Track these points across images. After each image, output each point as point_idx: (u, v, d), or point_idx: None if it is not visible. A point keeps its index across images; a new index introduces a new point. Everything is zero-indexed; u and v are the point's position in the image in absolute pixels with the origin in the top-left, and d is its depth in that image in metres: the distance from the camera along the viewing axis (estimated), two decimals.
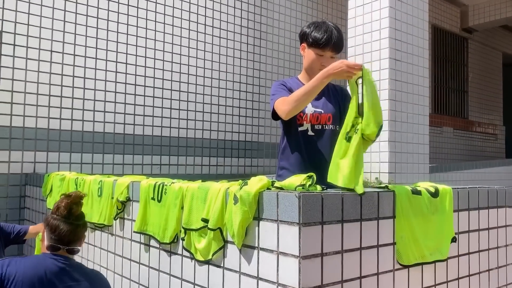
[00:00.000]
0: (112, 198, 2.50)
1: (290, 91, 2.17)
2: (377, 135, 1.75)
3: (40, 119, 4.13)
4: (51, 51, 4.21)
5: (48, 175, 3.47)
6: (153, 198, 2.17)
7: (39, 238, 2.76)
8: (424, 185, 1.88)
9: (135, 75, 4.75)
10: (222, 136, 5.47)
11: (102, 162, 4.48)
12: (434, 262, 1.79)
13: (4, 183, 3.96)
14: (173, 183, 2.09)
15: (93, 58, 4.45)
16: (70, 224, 1.94)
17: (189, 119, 5.17)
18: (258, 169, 5.72)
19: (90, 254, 2.78)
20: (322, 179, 1.74)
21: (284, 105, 2.08)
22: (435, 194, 1.83)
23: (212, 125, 5.37)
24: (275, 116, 2.18)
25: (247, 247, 1.62)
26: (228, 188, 1.72)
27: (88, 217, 2.72)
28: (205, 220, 1.77)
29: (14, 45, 4.01)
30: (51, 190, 3.37)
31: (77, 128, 4.33)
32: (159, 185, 2.15)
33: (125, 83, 4.68)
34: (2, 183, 3.95)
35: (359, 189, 1.59)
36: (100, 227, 2.65)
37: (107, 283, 2.05)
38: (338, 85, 2.35)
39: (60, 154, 4.22)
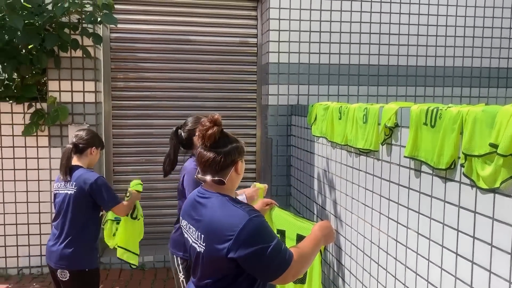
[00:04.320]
0: (379, 124, 2.55)
1: None
2: None
3: (302, 55, 4.47)
4: None
5: (312, 106, 3.77)
6: (425, 123, 2.11)
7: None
8: None
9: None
10: (486, 63, 4.85)
11: (357, 94, 4.60)
12: None
13: (274, 113, 4.51)
14: (449, 107, 1.97)
15: None
16: None
17: (438, 46, 4.75)
18: None
19: (355, 177, 2.95)
20: None
21: None
22: None
23: (475, 50, 4.81)
24: None
25: None
26: None
27: (353, 142, 2.87)
28: (494, 146, 1.62)
29: None
30: (315, 119, 3.67)
31: (334, 62, 4.53)
32: (432, 110, 2.06)
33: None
34: (272, 113, 4.51)
35: None
36: (365, 152, 2.76)
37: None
38: None
39: (319, 87, 4.52)
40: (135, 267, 3.24)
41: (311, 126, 3.78)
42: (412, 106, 2.27)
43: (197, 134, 1.76)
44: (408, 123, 2.25)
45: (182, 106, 4.79)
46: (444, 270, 2.02)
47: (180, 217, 1.89)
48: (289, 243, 2.23)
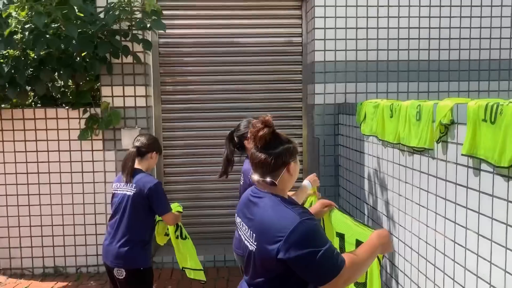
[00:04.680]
0: (433, 121, 2.47)
1: None
2: None
3: (349, 52, 4.40)
4: None
5: (361, 104, 3.70)
6: (484, 120, 2.02)
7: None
8: None
9: None
10: None
11: (407, 90, 4.47)
12: None
13: (321, 113, 4.46)
14: (511, 102, 1.88)
15: None
16: None
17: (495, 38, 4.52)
18: None
19: (408, 176, 2.86)
20: None
21: None
22: None
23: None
24: None
25: None
26: None
27: (406, 140, 2.80)
28: None
29: None
30: (364, 117, 3.60)
31: (382, 58, 4.43)
32: (491, 106, 1.97)
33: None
34: (319, 112, 4.46)
35: None
36: (419, 150, 2.67)
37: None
38: None
39: (367, 84, 4.44)
40: (204, 282, 3.31)
41: (360, 125, 3.71)
42: (468, 102, 2.18)
43: (249, 135, 1.78)
44: (465, 119, 2.16)
45: (229, 108, 4.84)
46: (508, 273, 1.92)
47: (235, 215, 1.92)
48: (348, 247, 2.19)
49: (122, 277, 2.79)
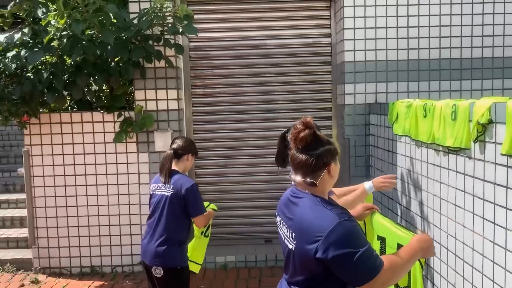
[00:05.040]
0: (470, 121, 2.44)
1: None
2: None
3: (379, 52, 4.38)
4: None
5: (393, 103, 3.68)
6: None
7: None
8: None
9: None
10: None
11: (438, 89, 4.42)
12: None
13: (351, 113, 4.46)
14: None
15: None
16: None
17: None
18: None
19: (444, 177, 2.84)
20: None
21: None
22: None
23: None
24: None
25: None
26: None
27: (441, 140, 2.77)
28: None
29: None
30: (397, 117, 3.58)
31: (413, 57, 4.39)
32: None
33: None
34: (349, 112, 4.46)
35: None
36: (455, 150, 2.65)
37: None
38: None
39: (398, 83, 4.40)
40: (194, 274, 3.38)
41: (392, 125, 3.69)
42: (507, 100, 2.15)
43: (289, 136, 1.81)
44: (504, 119, 2.14)
45: (258, 109, 4.88)
46: None
47: (276, 214, 1.95)
48: (389, 251, 2.18)
49: (159, 275, 2.87)
